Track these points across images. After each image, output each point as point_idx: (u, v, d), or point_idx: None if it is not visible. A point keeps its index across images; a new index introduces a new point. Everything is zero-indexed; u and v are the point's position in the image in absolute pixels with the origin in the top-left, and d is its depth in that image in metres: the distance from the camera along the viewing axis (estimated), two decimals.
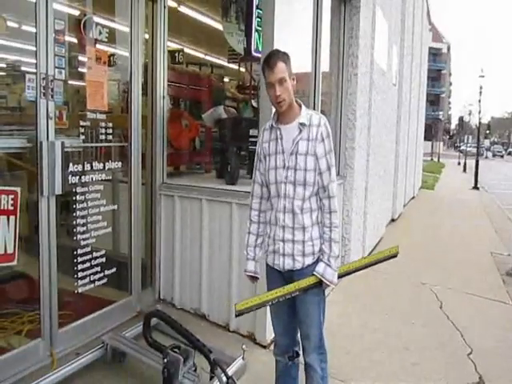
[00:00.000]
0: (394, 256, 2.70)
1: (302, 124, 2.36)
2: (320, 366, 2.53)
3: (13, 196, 2.79)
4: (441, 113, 53.84)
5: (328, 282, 2.38)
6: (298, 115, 2.39)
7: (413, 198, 12.82)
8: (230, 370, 2.99)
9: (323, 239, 2.40)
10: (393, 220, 9.19)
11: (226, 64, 7.03)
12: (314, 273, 2.36)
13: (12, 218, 2.79)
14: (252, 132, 4.08)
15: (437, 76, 54.30)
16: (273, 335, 3.58)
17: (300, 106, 2.42)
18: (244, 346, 3.25)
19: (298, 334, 2.62)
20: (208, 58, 8.04)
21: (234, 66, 6.97)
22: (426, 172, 19.18)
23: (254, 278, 2.63)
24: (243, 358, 3.22)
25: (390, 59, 7.46)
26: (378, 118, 6.50)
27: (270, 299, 2.33)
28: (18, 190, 2.84)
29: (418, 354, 3.71)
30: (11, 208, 2.77)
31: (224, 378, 2.83)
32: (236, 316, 2.34)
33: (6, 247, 2.77)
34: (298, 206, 2.38)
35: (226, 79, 7.47)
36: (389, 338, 3.97)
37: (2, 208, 2.73)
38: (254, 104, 4.93)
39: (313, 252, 2.41)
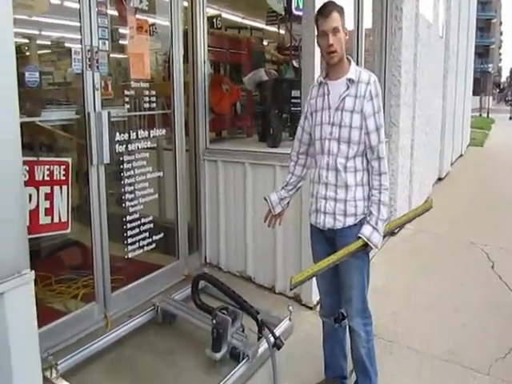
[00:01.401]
0: (428, 209, 2.66)
1: (350, 80, 2.29)
2: (364, 329, 2.51)
3: (64, 166, 2.89)
4: (490, 65, 51.23)
5: (373, 246, 2.34)
6: (347, 71, 2.32)
7: (461, 155, 12.38)
8: (278, 331, 3.04)
9: (371, 201, 2.35)
10: (440, 179, 8.93)
11: (264, 27, 6.93)
12: (360, 235, 2.32)
13: (64, 187, 2.90)
14: (294, 93, 4.02)
15: (486, 26, 51.43)
16: (319, 297, 3.69)
17: (350, 63, 2.35)
18: (290, 308, 3.30)
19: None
20: (246, 21, 7.91)
21: (273, 29, 6.85)
22: (474, 128, 18.44)
23: (269, 211, 2.67)
24: (290, 319, 3.28)
25: (436, 11, 7.12)
26: (423, 73, 6.26)
27: (322, 268, 2.32)
28: (69, 160, 2.94)
29: (468, 316, 3.65)
30: (63, 178, 2.88)
31: (272, 338, 2.90)
32: (291, 289, 2.40)
33: (60, 216, 2.89)
34: (341, 163, 2.33)
35: (265, 42, 7.36)
36: (437, 299, 3.92)
37: (55, 178, 2.84)
38: (296, 64, 4.85)
39: (355, 213, 2.37)
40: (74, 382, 2.64)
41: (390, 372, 2.79)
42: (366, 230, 2.32)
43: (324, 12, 2.26)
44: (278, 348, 2.89)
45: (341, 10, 2.29)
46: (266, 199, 2.67)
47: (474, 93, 18.34)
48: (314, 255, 2.56)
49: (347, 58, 2.35)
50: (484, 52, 50.72)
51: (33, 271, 1.59)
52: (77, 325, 3.12)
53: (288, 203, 2.68)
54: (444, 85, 8.58)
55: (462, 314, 3.67)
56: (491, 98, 41.49)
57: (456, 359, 3.06)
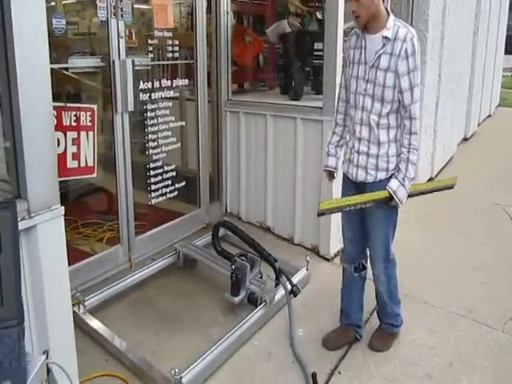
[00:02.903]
0: (451, 187, 2.72)
1: (385, 37, 2.25)
2: (384, 272, 2.62)
3: (90, 113, 2.95)
4: None
5: (398, 201, 2.38)
6: (384, 26, 2.27)
7: (489, 116, 12.07)
8: (295, 279, 3.14)
9: (400, 159, 2.38)
10: (465, 139, 8.78)
11: None
12: (387, 188, 2.37)
13: (90, 133, 2.97)
14: (317, 46, 3.96)
15: None
16: (337, 248, 3.77)
17: (388, 17, 2.29)
18: (308, 258, 3.39)
19: (367, 249, 2.70)
20: None
21: None
22: (505, 88, 17.85)
23: (331, 175, 2.70)
24: (307, 268, 3.37)
25: None
26: (452, 29, 6.05)
27: (348, 204, 2.37)
28: (95, 107, 2.99)
29: (486, 274, 3.66)
30: (89, 124, 2.95)
31: (288, 285, 3.00)
32: (318, 215, 2.42)
33: (87, 160, 2.98)
34: (374, 120, 2.35)
35: None
36: (457, 258, 3.94)
37: (81, 124, 2.91)
38: (319, 16, 4.75)
39: (387, 168, 2.41)
40: (99, 318, 2.78)
41: (405, 325, 2.85)
42: (393, 184, 2.37)
43: None
44: (295, 295, 3.00)
45: None
46: (325, 169, 2.70)
47: (507, 51, 17.65)
48: None
49: (386, 11, 2.30)
50: None
51: (62, 207, 1.67)
52: (102, 266, 3.25)
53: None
54: (474, 42, 8.28)
55: (480, 273, 3.68)
56: None
57: (471, 315, 3.10)
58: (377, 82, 2.30)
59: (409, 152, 2.35)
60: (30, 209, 1.55)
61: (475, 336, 2.92)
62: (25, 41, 1.54)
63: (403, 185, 2.36)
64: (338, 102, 2.64)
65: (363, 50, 2.34)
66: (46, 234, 1.60)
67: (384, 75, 2.27)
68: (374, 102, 2.33)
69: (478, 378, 2.56)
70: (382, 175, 2.42)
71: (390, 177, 2.40)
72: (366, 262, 2.74)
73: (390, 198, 2.37)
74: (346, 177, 2.59)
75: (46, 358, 1.20)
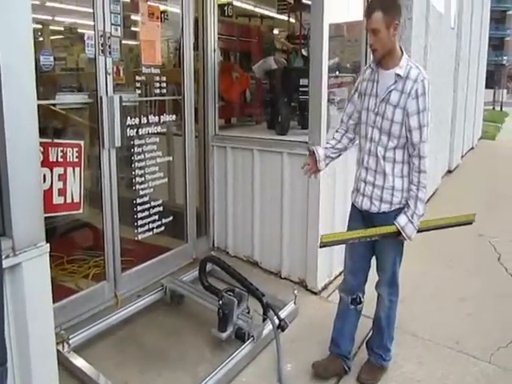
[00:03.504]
0: (470, 223, 2.75)
1: (397, 75, 2.34)
2: (388, 298, 2.68)
3: (77, 149, 2.96)
4: (505, 58, 50.35)
5: (406, 237, 2.43)
6: (397, 64, 2.36)
7: (471, 148, 12.32)
8: (283, 314, 3.13)
9: (409, 196, 2.44)
10: (449, 171, 8.92)
11: (275, 15, 6.92)
12: (395, 223, 2.42)
13: (77, 169, 2.97)
14: (302, 82, 4.04)
15: (501, 18, 50.46)
16: (324, 282, 3.78)
17: (402, 55, 2.38)
18: (295, 291, 3.39)
19: (365, 284, 2.74)
20: (257, 9, 7.91)
21: (284, 17, 6.85)
22: (487, 121, 18.27)
23: (311, 158, 2.67)
24: (295, 302, 3.36)
25: (447, 1, 7.06)
26: (434, 65, 6.24)
27: (351, 238, 2.45)
28: (82, 143, 3.01)
29: (472, 305, 3.69)
30: (76, 160, 2.96)
31: (276, 320, 2.97)
32: (320, 247, 2.47)
33: (73, 196, 2.97)
34: (381, 152, 2.43)
35: (275, 30, 7.37)
36: (444, 289, 3.96)
37: (68, 160, 2.91)
38: (304, 53, 4.87)
39: (391, 201, 2.47)
40: (84, 357, 2.72)
41: (394, 358, 2.85)
42: (402, 220, 2.42)
43: (366, 11, 2.34)
44: (283, 330, 2.97)
45: (387, 7, 2.30)
46: (310, 150, 2.73)
47: (488, 85, 18.14)
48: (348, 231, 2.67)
49: (401, 49, 2.39)
50: (499, 44, 49.86)
51: (48, 244, 1.67)
52: (88, 303, 3.21)
53: (327, 165, 2.73)
54: (455, 77, 8.54)
55: (467, 303, 3.71)
56: (505, 91, 40.95)
57: (459, 347, 3.11)
58: (385, 116, 2.38)
59: (418, 189, 2.41)
60: (14, 246, 1.54)
61: (462, 368, 2.92)
62: (12, 77, 1.56)
63: (411, 222, 2.41)
64: (340, 125, 2.72)
65: (375, 84, 2.43)
66: (31, 271, 1.59)
67: (393, 110, 2.35)
68: (382, 134, 2.41)
69: None
70: (385, 207, 2.48)
71: (394, 210, 2.46)
72: (363, 296, 2.76)
73: (398, 233, 2.42)
74: (353, 206, 2.66)
75: None
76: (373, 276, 2.75)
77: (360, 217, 2.60)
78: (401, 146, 2.41)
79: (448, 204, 6.11)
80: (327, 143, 2.77)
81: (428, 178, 2.44)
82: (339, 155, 2.76)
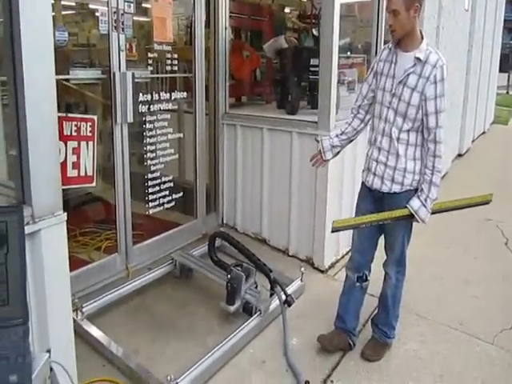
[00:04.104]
0: (487, 203, 2.75)
1: (417, 58, 2.35)
2: (395, 276, 2.73)
3: (90, 123, 3.00)
4: None
5: (420, 220, 2.48)
6: (417, 47, 2.37)
7: (483, 133, 12.20)
8: (289, 290, 3.19)
9: (423, 179, 2.46)
10: (460, 155, 8.89)
11: None
12: (408, 207, 2.45)
13: (90, 143, 3.02)
14: (313, 61, 4.02)
15: None
16: (331, 260, 3.84)
17: (422, 39, 2.39)
18: (302, 269, 3.44)
19: (371, 262, 2.80)
20: None
21: None
22: (499, 106, 18.04)
23: (319, 155, 2.76)
24: (301, 279, 3.41)
25: None
26: (446, 47, 6.18)
27: (363, 222, 2.48)
28: (95, 117, 3.05)
29: (478, 288, 3.71)
30: (89, 134, 3.00)
31: (283, 295, 3.05)
32: (332, 232, 2.52)
33: (87, 170, 3.02)
34: (395, 133, 2.45)
35: (286, 9, 7.30)
36: (449, 271, 3.99)
37: (82, 134, 2.96)
38: (315, 33, 4.86)
39: (402, 182, 2.50)
40: (97, 324, 2.82)
41: (397, 336, 2.90)
42: (415, 204, 2.46)
43: None
44: (289, 305, 3.05)
45: None
46: (317, 140, 2.79)
47: (502, 69, 17.88)
48: (357, 211, 2.73)
49: (421, 34, 2.40)
50: None
51: (65, 213, 1.73)
52: (100, 273, 3.29)
53: (338, 153, 2.80)
54: (468, 59, 8.44)
55: (471, 286, 3.74)
56: None
57: (462, 328, 3.15)
58: (402, 97, 2.40)
59: (432, 174, 2.44)
60: (34, 214, 1.60)
61: (465, 348, 2.97)
62: (32, 52, 1.60)
63: (425, 205, 2.45)
64: (355, 106, 2.73)
65: (393, 65, 2.44)
66: (49, 238, 1.66)
67: (410, 93, 2.37)
68: (397, 116, 2.43)
69: None
70: (396, 188, 2.51)
71: (405, 192, 2.50)
72: (369, 274, 2.81)
73: (411, 216, 2.46)
74: (363, 185, 2.69)
75: (49, 356, 1.25)
76: (379, 255, 2.80)
77: (369, 196, 2.64)
78: (415, 128, 2.43)
79: (457, 187, 6.06)
80: (338, 130, 2.78)
81: (442, 163, 2.46)
82: (350, 141, 2.78)
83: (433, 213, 2.52)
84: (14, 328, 1.25)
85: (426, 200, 2.45)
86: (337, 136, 2.74)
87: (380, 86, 2.50)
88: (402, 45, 2.42)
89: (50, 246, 1.67)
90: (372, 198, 2.63)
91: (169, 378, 2.29)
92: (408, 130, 2.43)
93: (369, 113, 2.67)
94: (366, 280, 2.81)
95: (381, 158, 2.52)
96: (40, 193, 1.63)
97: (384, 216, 2.47)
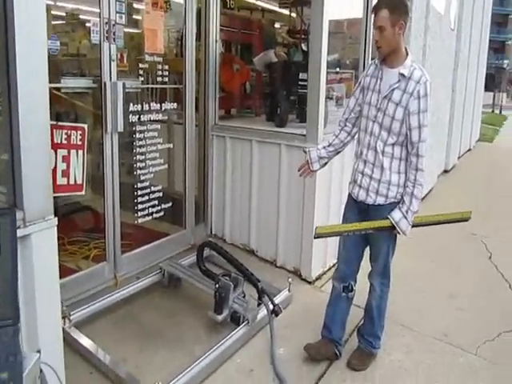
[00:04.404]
0: (466, 220, 2.80)
1: (401, 74, 2.42)
2: (380, 287, 2.78)
3: (81, 132, 3.01)
4: (506, 61, 50.29)
5: (401, 231, 2.53)
6: (401, 63, 2.44)
7: (469, 150, 12.41)
8: (277, 300, 3.22)
9: (405, 192, 2.52)
10: (446, 171, 9.02)
11: (277, 9, 6.96)
12: (390, 218, 2.51)
13: (80, 151, 3.03)
14: (302, 75, 4.10)
15: (503, 21, 50.51)
16: (318, 272, 3.88)
17: (407, 56, 2.46)
18: (290, 279, 3.48)
19: (357, 273, 2.84)
20: (259, 2, 7.94)
21: (285, 11, 6.89)
22: (485, 124, 18.36)
23: (307, 165, 2.81)
24: (289, 290, 3.45)
25: (448, 2, 7.13)
26: (432, 65, 6.32)
27: (345, 230, 2.55)
28: (85, 126, 3.07)
29: (462, 301, 3.77)
30: (79, 143, 3.01)
31: (270, 305, 3.07)
32: (315, 238, 2.59)
33: (76, 178, 3.02)
34: (380, 146, 2.51)
35: (276, 24, 7.40)
36: (433, 285, 4.04)
37: (72, 142, 2.97)
38: (304, 48, 4.94)
39: (386, 195, 2.55)
40: (85, 332, 2.82)
41: (383, 346, 2.95)
42: (396, 215, 2.52)
43: (373, 8, 2.43)
44: (276, 315, 3.07)
45: (394, 6, 2.37)
46: (305, 152, 2.84)
47: (487, 88, 18.24)
48: (343, 221, 2.78)
49: (406, 50, 2.47)
50: (500, 47, 49.90)
51: (56, 218, 1.75)
52: (88, 282, 3.29)
53: (325, 164, 2.86)
54: (454, 77, 8.60)
55: (456, 299, 3.80)
56: (505, 94, 40.97)
57: (446, 339, 3.20)
58: (387, 112, 2.46)
59: (414, 187, 2.50)
60: (25, 218, 1.62)
61: (450, 359, 3.01)
62: (26, 60, 1.63)
63: (406, 217, 2.51)
64: (342, 119, 2.80)
65: (379, 80, 2.51)
66: (40, 242, 1.67)
67: (395, 108, 2.44)
68: (382, 130, 2.50)
69: None
70: (381, 200, 2.56)
71: (389, 204, 2.55)
72: (355, 285, 2.85)
73: (393, 227, 2.52)
74: (350, 196, 2.75)
75: (39, 357, 1.26)
76: (365, 266, 2.84)
77: (355, 207, 2.69)
78: (400, 142, 2.49)
79: (443, 202, 6.21)
80: (325, 142, 2.85)
81: (424, 177, 2.52)
82: (337, 153, 2.85)
83: (413, 226, 2.58)
84: (4, 328, 1.27)
85: (407, 212, 2.50)
86: (324, 148, 2.80)
87: (366, 100, 2.57)
88: (387, 61, 2.49)
89: (41, 250, 1.68)
90: (358, 209, 2.68)
91: None
92: (393, 144, 2.49)
93: (355, 126, 2.74)
94: (352, 290, 2.84)
95: (366, 171, 2.58)
96: (31, 197, 1.64)
97: (366, 225, 2.52)
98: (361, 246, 2.75)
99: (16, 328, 1.29)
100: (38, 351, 1.27)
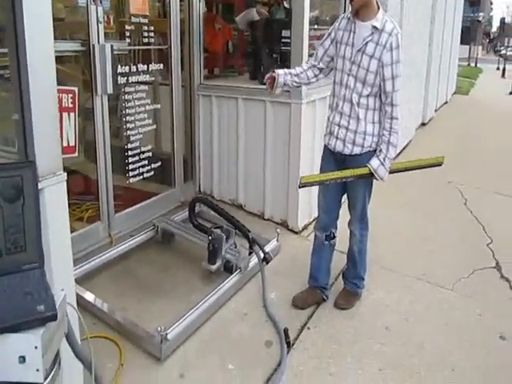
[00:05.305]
0: (439, 164, 2.98)
1: (374, 27, 2.51)
2: (359, 232, 2.95)
3: (71, 95, 3.09)
4: (481, 14, 50.03)
5: (379, 178, 2.68)
6: (374, 17, 2.52)
7: (445, 102, 12.61)
8: (267, 249, 3.38)
9: (382, 140, 2.65)
10: (423, 124, 9.22)
11: None
12: (368, 166, 2.65)
13: (72, 114, 3.10)
14: (284, 33, 4.18)
15: None
16: (305, 222, 4.05)
17: (378, 9, 2.54)
18: (278, 230, 3.66)
19: (337, 220, 3.00)
20: None
21: None
22: (461, 77, 18.52)
23: (271, 81, 2.81)
24: (277, 240, 3.62)
25: None
26: (409, 19, 6.40)
27: (328, 179, 2.67)
28: (76, 89, 3.13)
29: (436, 244, 4.02)
30: (71, 105, 3.08)
31: (261, 253, 3.25)
32: (299, 187, 2.71)
33: (69, 140, 3.11)
34: (355, 98, 2.62)
35: None
36: (408, 230, 4.28)
37: (63, 105, 3.04)
38: (286, 5, 4.98)
39: (362, 144, 2.68)
40: (84, 287, 2.94)
41: (366, 286, 3.17)
42: (374, 163, 2.66)
43: None
44: (267, 262, 3.26)
45: None
46: (274, 71, 2.81)
47: (463, 42, 18.29)
48: (321, 172, 2.88)
49: (377, 4, 2.56)
50: (475, 1, 49.51)
51: (65, 173, 1.85)
52: (84, 241, 3.39)
53: (282, 91, 2.92)
54: (430, 30, 8.67)
55: (430, 242, 4.05)
56: (480, 47, 41.08)
57: (424, 278, 3.46)
58: (361, 65, 2.57)
59: (390, 135, 2.63)
60: (38, 174, 1.72)
61: (428, 295, 3.27)
62: (33, 25, 1.69)
63: (383, 164, 2.66)
64: (308, 60, 2.90)
65: (352, 34, 2.60)
66: (52, 197, 1.77)
67: (369, 60, 2.54)
68: (357, 82, 2.60)
69: (430, 331, 2.89)
70: (357, 150, 2.70)
71: (365, 153, 2.69)
72: (336, 232, 3.03)
73: (371, 174, 2.67)
74: (326, 148, 2.86)
75: (65, 295, 1.40)
76: (345, 214, 3.02)
77: (332, 158, 2.81)
78: (374, 93, 2.61)
79: (420, 154, 6.35)
80: (293, 69, 2.87)
81: (399, 124, 2.66)
82: (298, 87, 2.99)
83: (391, 172, 2.74)
84: (32, 271, 1.40)
85: (384, 159, 2.65)
86: (291, 76, 2.81)
87: (340, 54, 2.66)
88: (360, 14, 2.57)
89: (53, 204, 1.78)
90: (335, 160, 2.80)
91: (159, 329, 2.45)
92: (367, 95, 2.61)
93: (321, 73, 2.84)
94: (334, 237, 3.03)
95: (342, 123, 2.70)
96: (42, 154, 1.72)
97: (347, 173, 2.67)
98: (339, 195, 2.90)
99: (42, 271, 1.42)
100: (62, 289, 1.40)
